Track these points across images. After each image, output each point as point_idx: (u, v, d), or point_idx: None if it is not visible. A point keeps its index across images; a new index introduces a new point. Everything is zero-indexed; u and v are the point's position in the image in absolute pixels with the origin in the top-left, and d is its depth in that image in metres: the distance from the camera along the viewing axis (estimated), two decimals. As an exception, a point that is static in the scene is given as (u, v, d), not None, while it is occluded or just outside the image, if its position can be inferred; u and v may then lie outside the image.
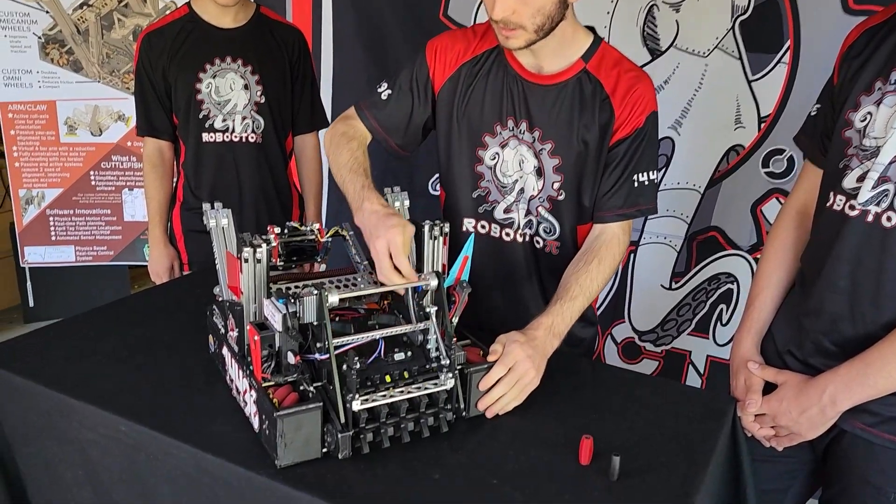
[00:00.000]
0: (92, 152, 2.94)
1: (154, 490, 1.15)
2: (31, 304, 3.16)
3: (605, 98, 1.34)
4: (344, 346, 1.09)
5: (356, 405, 1.03)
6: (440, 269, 1.26)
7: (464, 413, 1.16)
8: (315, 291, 1.04)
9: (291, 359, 1.05)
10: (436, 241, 1.25)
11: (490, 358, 1.16)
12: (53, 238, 3.00)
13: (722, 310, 2.36)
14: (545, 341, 1.22)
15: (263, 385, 1.07)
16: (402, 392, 1.08)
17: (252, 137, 2.03)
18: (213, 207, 1.26)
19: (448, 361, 1.11)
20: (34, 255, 3.03)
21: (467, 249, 1.17)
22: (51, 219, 2.98)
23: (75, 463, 1.23)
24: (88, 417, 1.19)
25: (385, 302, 1.32)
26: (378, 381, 1.10)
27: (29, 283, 3.15)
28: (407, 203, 1.36)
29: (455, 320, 1.21)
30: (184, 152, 2.03)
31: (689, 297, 2.39)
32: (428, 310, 1.14)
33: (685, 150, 2.35)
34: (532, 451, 1.11)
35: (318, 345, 1.07)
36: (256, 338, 1.06)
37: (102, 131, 2.94)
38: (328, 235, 1.40)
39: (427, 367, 1.15)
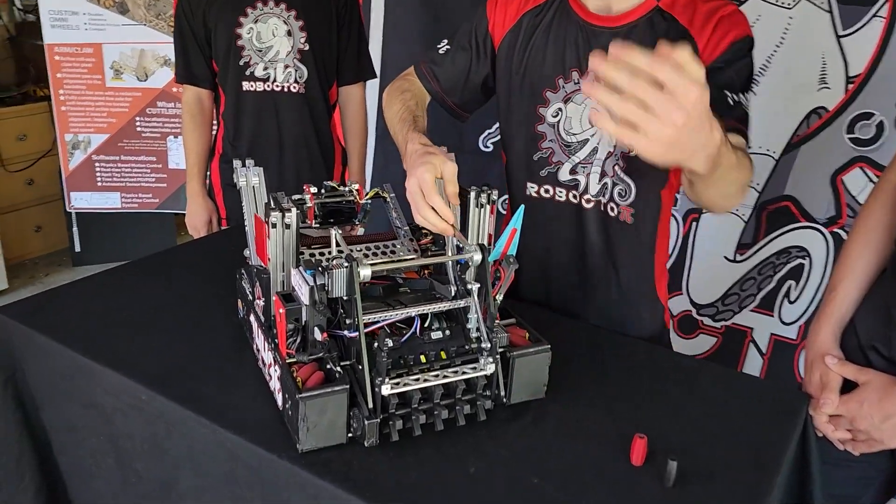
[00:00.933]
0: (138, 98, 2.89)
1: (175, 463, 1.09)
2: (77, 249, 3.19)
3: (682, 31, 1.17)
4: (375, 323, 1.00)
5: (385, 390, 0.94)
6: (486, 241, 1.15)
7: (504, 401, 1.06)
8: (346, 264, 0.94)
9: (318, 335, 0.96)
10: (482, 210, 1.13)
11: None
12: (99, 184, 3.00)
13: (790, 286, 2.19)
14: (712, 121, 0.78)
15: (288, 361, 0.99)
16: (436, 376, 0.99)
17: (294, 87, 1.93)
18: (244, 165, 1.18)
19: (489, 345, 1.00)
20: (80, 201, 3.04)
21: (516, 221, 1.05)
22: (97, 164, 2.97)
23: (99, 429, 1.19)
24: (110, 383, 1.13)
25: (426, 272, 1.22)
26: (412, 362, 1.01)
27: (75, 228, 3.17)
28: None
29: (499, 298, 1.10)
30: (223, 102, 1.95)
31: (755, 271, 2.23)
32: (469, 286, 1.03)
33: (761, 110, 2.14)
34: (578, 446, 1.01)
35: (348, 321, 0.98)
36: (282, 310, 0.97)
37: (148, 76, 2.88)
38: (367, 197, 1.30)
39: (466, 347, 1.05)
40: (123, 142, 2.94)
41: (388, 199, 1.33)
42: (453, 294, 1.09)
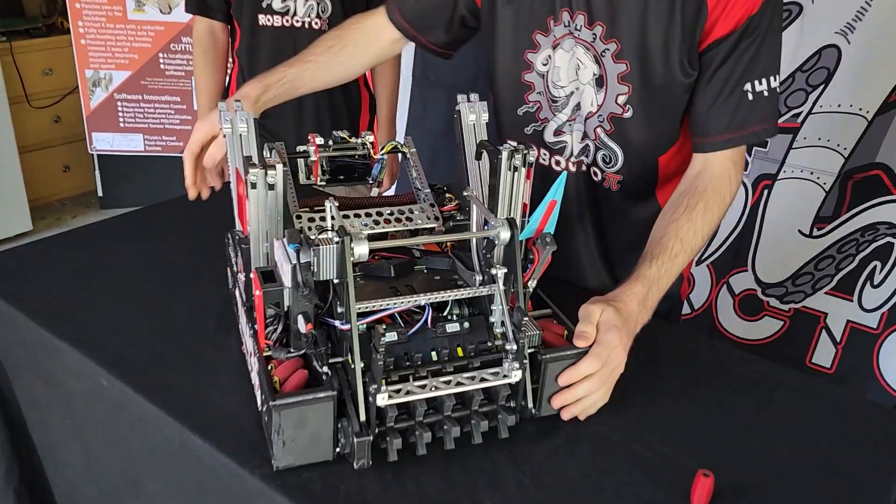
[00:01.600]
0: (161, 32, 2.71)
1: (139, 460, 0.93)
2: (100, 193, 3.07)
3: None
4: (373, 313, 0.81)
5: (381, 399, 0.75)
6: (519, 213, 0.93)
7: (533, 413, 0.85)
8: (336, 239, 0.74)
9: (302, 326, 0.77)
10: (516, 175, 0.91)
11: (578, 342, 0.86)
12: (122, 125, 2.85)
13: (875, 268, 1.92)
14: (637, 318, 0.92)
15: (266, 355, 0.80)
16: (447, 383, 0.79)
17: (316, 23, 1.71)
18: (235, 108, 0.97)
19: (515, 347, 0.80)
20: (102, 142, 2.90)
21: (556, 191, 0.83)
22: (119, 104, 2.82)
23: (62, 410, 1.03)
24: (70, 362, 0.97)
25: (447, 246, 1.02)
26: (419, 361, 0.81)
27: (97, 171, 3.05)
28: (485, 117, 1.01)
29: (532, 284, 0.89)
30: (238, 37, 1.74)
31: (834, 249, 1.97)
32: (494, 271, 0.82)
33: (854, 64, 1.85)
34: (621, 477, 0.81)
35: (340, 309, 0.79)
36: (258, 292, 0.78)
37: (172, 8, 2.68)
38: (383, 151, 1.10)
39: (489, 344, 0.85)
40: (146, 80, 2.77)
41: (408, 155, 1.12)
42: (478, 280, 0.88)
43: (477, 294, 0.85)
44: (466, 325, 0.86)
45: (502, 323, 0.83)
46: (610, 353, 0.85)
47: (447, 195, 1.08)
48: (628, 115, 1.07)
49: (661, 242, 0.98)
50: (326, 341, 0.80)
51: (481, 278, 0.89)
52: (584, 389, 0.85)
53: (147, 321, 1.02)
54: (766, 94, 1.01)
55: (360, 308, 0.79)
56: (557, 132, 1.14)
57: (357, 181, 1.13)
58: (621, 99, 1.06)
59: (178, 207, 1.38)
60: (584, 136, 1.12)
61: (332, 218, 0.82)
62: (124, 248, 1.22)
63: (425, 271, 0.95)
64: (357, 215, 0.99)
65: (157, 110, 2.80)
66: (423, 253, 1.00)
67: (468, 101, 1.02)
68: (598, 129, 1.10)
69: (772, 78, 1.01)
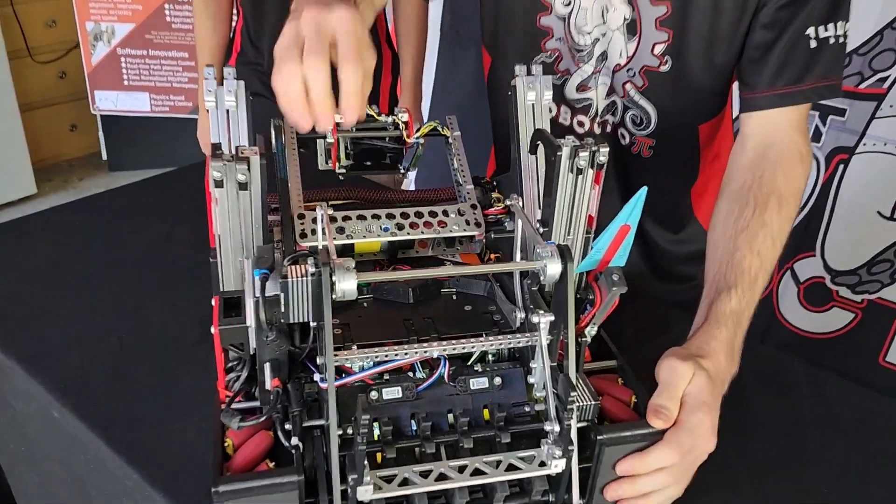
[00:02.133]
0: (165, -21, 2.63)
1: None
2: (104, 156, 3.03)
3: None
4: (364, 368, 0.67)
5: (364, 493, 0.61)
6: (583, 230, 0.78)
7: (579, 509, 0.70)
8: (312, 270, 0.60)
9: (268, 379, 0.64)
10: (581, 179, 0.76)
11: (655, 421, 0.70)
12: (126, 82, 2.79)
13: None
14: (726, 375, 0.79)
15: (226, 407, 0.67)
16: (462, 470, 0.65)
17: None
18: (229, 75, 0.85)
19: (558, 429, 0.65)
20: (105, 102, 2.85)
21: (631, 212, 0.66)
22: (122, 59, 2.75)
23: (16, 434, 0.94)
24: (19, 383, 0.88)
25: (491, 256, 0.88)
26: (427, 431, 0.67)
27: (101, 132, 3.00)
28: (548, 96, 0.87)
29: (591, 332, 0.73)
30: (242, -17, 1.64)
31: (919, 234, 1.86)
32: (536, 318, 0.68)
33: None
34: None
35: (320, 359, 0.65)
36: (214, 330, 0.65)
37: (179, -49, 2.60)
38: (420, 133, 0.96)
39: (526, 410, 0.70)
40: (151, 33, 2.70)
41: (450, 140, 0.99)
42: (518, 318, 0.74)
43: (512, 345, 0.70)
44: (498, 380, 0.72)
45: (543, 386, 0.69)
46: (695, 441, 0.71)
47: (494, 195, 0.93)
48: (665, 68, 0.98)
49: (734, 262, 0.85)
50: (302, 398, 0.67)
51: (522, 316, 0.75)
52: (654, 484, 0.71)
53: (115, 330, 0.92)
54: (831, 41, 0.92)
55: (347, 360, 0.66)
56: (581, 87, 1.05)
57: (387, 168, 1.00)
58: (658, 49, 0.98)
59: (180, 180, 1.27)
60: (611, 90, 1.04)
61: (323, 231, 0.68)
62: (100, 232, 1.12)
63: (454, 298, 0.81)
64: (375, 216, 0.86)
65: (164, 67, 2.72)
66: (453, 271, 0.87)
67: (528, 73, 0.87)
68: (628, 85, 1.02)
69: (839, 24, 0.92)
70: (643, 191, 0.65)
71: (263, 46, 1.63)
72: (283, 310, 0.61)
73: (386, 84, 1.76)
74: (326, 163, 0.98)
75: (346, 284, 0.60)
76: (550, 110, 1.03)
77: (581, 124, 1.08)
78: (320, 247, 0.64)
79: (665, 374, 0.73)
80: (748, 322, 0.83)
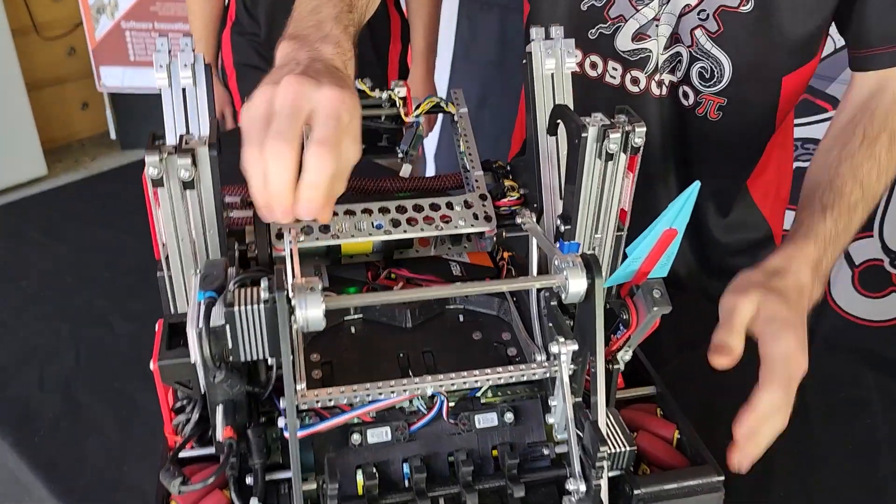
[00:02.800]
0: (170, -54, 2.50)
1: None
2: (113, 135, 2.94)
3: None
4: (337, 413, 0.54)
5: (340, 575, 0.48)
6: (613, 227, 0.64)
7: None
8: (266, 294, 0.47)
9: (219, 429, 0.51)
10: (610, 167, 0.62)
11: (717, 360, 0.66)
12: (132, 58, 2.68)
13: None
14: (811, 294, 0.74)
15: (172, 458, 0.55)
16: (464, 538, 0.52)
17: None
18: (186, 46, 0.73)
19: (584, 487, 0.51)
20: (111, 78, 2.74)
21: (678, 212, 0.52)
22: (127, 33, 2.64)
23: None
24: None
25: (505, 255, 0.76)
26: (421, 483, 0.55)
27: (108, 111, 2.90)
28: (570, 64, 0.73)
29: (625, 358, 0.59)
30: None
31: None
32: (555, 348, 0.54)
33: None
34: None
35: (283, 403, 0.52)
36: (153, 365, 0.53)
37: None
38: (419, 111, 0.84)
39: (544, 451, 0.57)
40: (156, 5, 2.58)
41: (457, 117, 0.86)
42: (539, 341, 0.61)
43: (526, 377, 0.57)
44: (509, 416, 0.59)
45: (565, 427, 0.55)
46: (790, 368, 0.65)
47: (507, 182, 0.80)
48: (747, 7, 0.86)
49: (833, 186, 0.81)
50: (266, 447, 0.54)
51: (542, 359, 0.61)
52: (772, 431, 0.64)
53: (71, 346, 0.81)
54: None
55: (318, 402, 0.53)
56: (638, 35, 0.92)
57: (383, 152, 0.88)
58: None
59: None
60: (675, 39, 0.91)
61: (290, 250, 0.55)
62: (73, 226, 1.00)
63: (461, 319, 0.68)
64: (366, 211, 0.73)
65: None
66: (466, 268, 0.74)
67: (547, 37, 0.73)
68: (698, 31, 0.90)
69: None
70: (695, 187, 0.51)
71: (259, 14, 1.51)
72: (230, 345, 0.48)
73: (395, 52, 1.63)
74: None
75: (311, 312, 0.47)
76: (595, 66, 0.95)
77: (635, 81, 0.95)
78: (288, 262, 0.51)
79: (727, 303, 0.68)
80: (842, 250, 0.79)
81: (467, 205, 0.76)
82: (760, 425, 0.64)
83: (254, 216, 0.70)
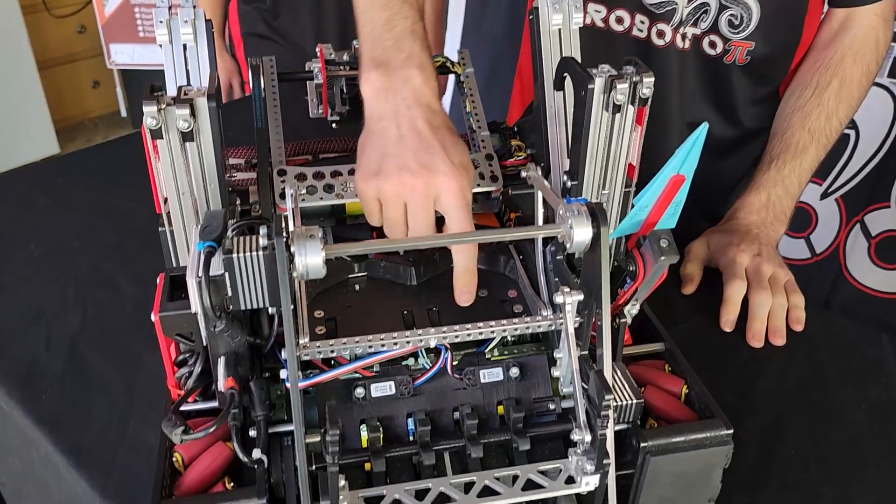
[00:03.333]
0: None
1: None
2: (123, 112, 2.93)
3: None
4: (336, 366, 0.54)
5: (342, 520, 0.48)
6: (621, 182, 0.63)
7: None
8: (264, 242, 0.47)
9: (221, 380, 0.51)
10: (618, 119, 0.60)
11: (684, 289, 0.87)
12: (141, 34, 2.66)
13: None
14: (767, 230, 0.91)
15: (174, 409, 0.54)
16: (468, 490, 0.51)
17: None
18: (187, 2, 0.72)
19: (589, 438, 0.50)
20: (121, 55, 2.72)
21: (686, 157, 0.50)
22: (136, 9, 2.62)
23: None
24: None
25: (511, 216, 0.75)
26: (426, 436, 0.54)
27: (119, 88, 2.89)
28: (578, 20, 0.71)
29: (632, 312, 0.58)
30: None
31: None
32: (560, 298, 0.53)
33: None
34: None
35: (285, 352, 0.52)
36: (154, 316, 0.52)
37: None
38: None
39: (550, 406, 0.57)
40: (166, -23, 2.56)
41: (463, 77, 0.85)
42: (544, 296, 0.60)
43: (531, 330, 0.56)
44: (515, 370, 0.58)
45: (571, 382, 0.54)
46: (745, 267, 0.84)
47: (514, 142, 0.79)
48: None
49: (783, 138, 0.94)
50: (268, 400, 0.54)
51: (547, 298, 0.61)
52: (760, 313, 0.81)
53: (78, 308, 0.81)
54: None
55: (320, 353, 0.52)
56: None
57: None
58: None
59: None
60: None
61: (292, 196, 0.54)
62: (81, 193, 1.00)
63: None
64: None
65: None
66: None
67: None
68: None
69: None
70: (703, 129, 0.49)
71: (266, -18, 1.48)
72: (230, 293, 0.48)
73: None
74: (318, 110, 0.84)
75: (311, 259, 0.47)
76: (621, 21, 0.96)
77: (661, 34, 0.96)
78: (289, 211, 0.51)
79: (686, 249, 0.88)
80: (797, 187, 0.92)
81: (474, 165, 0.75)
82: (736, 309, 0.81)
83: (258, 177, 0.69)
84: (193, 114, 0.53)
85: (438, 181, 0.54)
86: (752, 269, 0.84)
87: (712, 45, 0.96)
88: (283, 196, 0.67)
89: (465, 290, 0.58)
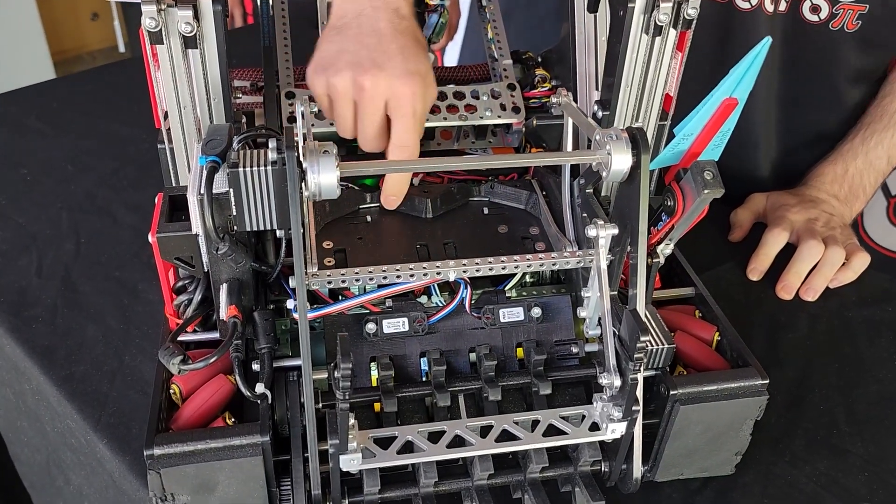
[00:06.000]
0: None
1: (56, 447, 0.69)
2: (122, 48, 2.84)
3: None
4: (341, 298, 0.50)
5: (349, 463, 0.45)
6: (656, 115, 0.59)
7: (644, 473, 0.53)
8: (274, 156, 0.42)
9: (223, 308, 0.47)
10: (657, 42, 0.56)
11: (731, 236, 0.84)
12: (141, -37, 2.57)
13: None
14: (838, 206, 0.84)
15: (172, 337, 0.50)
16: (486, 434, 0.48)
17: None
18: None
19: (619, 381, 0.47)
20: (121, -14, 2.65)
21: (741, 77, 0.45)
22: (137, -65, 2.52)
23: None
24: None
25: (533, 151, 0.70)
26: (441, 377, 0.51)
27: (117, 21, 2.80)
28: None
29: (666, 252, 0.54)
30: None
31: None
32: (593, 231, 0.49)
33: None
34: None
35: (293, 280, 0.48)
36: (152, 238, 0.48)
37: None
38: None
39: (573, 349, 0.53)
40: None
41: (484, 2, 0.80)
42: (570, 234, 0.56)
43: (558, 266, 0.52)
44: (536, 311, 0.54)
45: (599, 323, 0.51)
46: (785, 219, 0.79)
47: (538, 72, 0.74)
48: None
49: (880, 104, 0.85)
50: (273, 332, 0.50)
51: (574, 233, 0.57)
52: (802, 268, 0.75)
53: (72, 234, 0.77)
54: None
55: (331, 282, 0.48)
56: None
57: None
58: None
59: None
60: None
61: (302, 116, 0.50)
62: (77, 116, 0.95)
63: (485, 211, 0.63)
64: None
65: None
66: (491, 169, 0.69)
67: None
68: None
69: None
70: (766, 43, 0.44)
71: None
72: (234, 213, 0.43)
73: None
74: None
75: (324, 177, 0.43)
76: None
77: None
78: (300, 130, 0.46)
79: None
80: (884, 163, 0.84)
81: (494, 95, 0.71)
82: (767, 260, 0.77)
83: (264, 99, 0.65)
84: (197, 17, 0.49)
85: (389, 83, 0.50)
86: (802, 224, 0.78)
87: (815, 9, 0.82)
88: (291, 120, 0.63)
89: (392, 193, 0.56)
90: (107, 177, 0.84)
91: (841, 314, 0.74)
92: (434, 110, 0.68)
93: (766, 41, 0.44)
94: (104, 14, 3.13)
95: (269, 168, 0.42)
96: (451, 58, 1.68)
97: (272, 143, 0.42)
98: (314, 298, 0.53)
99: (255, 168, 0.42)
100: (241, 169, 0.42)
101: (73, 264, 0.72)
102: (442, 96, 0.69)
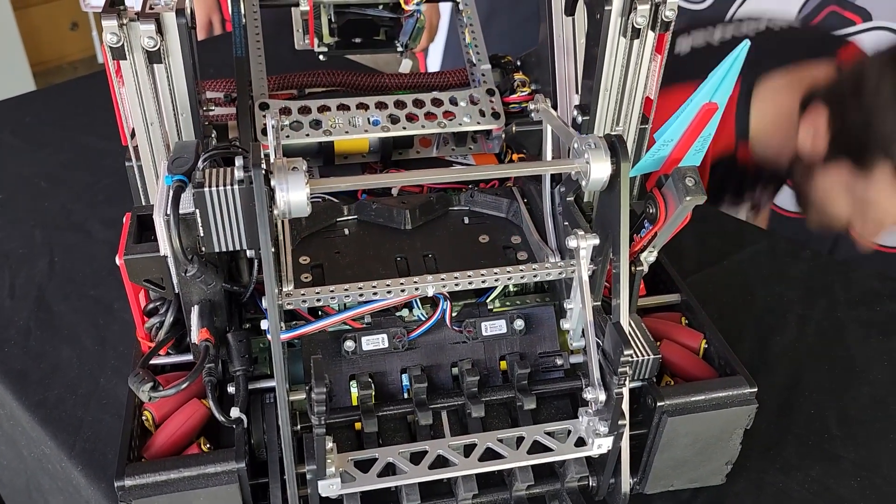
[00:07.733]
0: None
1: (33, 469, 0.67)
2: (101, 58, 2.82)
3: None
4: (321, 315, 0.49)
5: (327, 488, 0.43)
6: (637, 117, 0.57)
7: (632, 486, 0.52)
8: (240, 174, 0.41)
9: (195, 331, 0.46)
10: (636, 45, 0.54)
11: None
12: (120, -28, 2.54)
13: None
14: None
15: (142, 363, 0.49)
16: (468, 452, 0.47)
17: None
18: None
19: (604, 396, 0.46)
20: (98, -6, 2.62)
21: (720, 84, 0.44)
22: (114, -57, 2.50)
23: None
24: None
25: (514, 157, 0.70)
26: (422, 394, 0.50)
27: (94, 32, 2.78)
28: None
29: (649, 260, 0.53)
30: None
31: None
32: (573, 242, 0.48)
33: None
34: None
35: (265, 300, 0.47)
36: (119, 260, 0.47)
37: None
38: (419, 0, 0.76)
39: (558, 361, 0.52)
40: None
41: (462, 5, 0.80)
42: (552, 242, 0.55)
43: (539, 277, 0.51)
44: (519, 323, 0.53)
45: (582, 335, 0.50)
46: None
47: (517, 76, 0.73)
48: None
49: None
50: (248, 353, 0.48)
51: (555, 243, 0.56)
52: None
53: (45, 252, 0.76)
54: None
55: (305, 302, 0.47)
56: None
57: (381, 47, 0.82)
58: None
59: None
60: None
61: (273, 129, 0.48)
62: (52, 131, 0.94)
63: (465, 221, 0.61)
64: (362, 106, 0.66)
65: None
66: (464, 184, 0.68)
67: None
68: None
69: None
70: (744, 47, 0.43)
71: None
72: (201, 234, 0.42)
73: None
74: (304, 41, 0.78)
75: (294, 195, 0.41)
76: None
77: None
78: (271, 144, 0.45)
79: None
80: None
81: (473, 101, 0.69)
82: None
83: (237, 110, 0.63)
84: (160, 31, 0.47)
85: None
86: None
87: None
88: (265, 132, 0.61)
89: None
90: (81, 192, 0.83)
91: (830, 315, 0.73)
92: (412, 118, 0.66)
93: (745, 45, 0.42)
94: (84, 23, 3.10)
95: (236, 187, 0.41)
96: (435, 60, 1.67)
97: (239, 161, 0.41)
98: (293, 315, 0.52)
99: (221, 188, 0.41)
100: (206, 189, 0.40)
101: (46, 283, 0.71)
102: (420, 103, 0.68)
